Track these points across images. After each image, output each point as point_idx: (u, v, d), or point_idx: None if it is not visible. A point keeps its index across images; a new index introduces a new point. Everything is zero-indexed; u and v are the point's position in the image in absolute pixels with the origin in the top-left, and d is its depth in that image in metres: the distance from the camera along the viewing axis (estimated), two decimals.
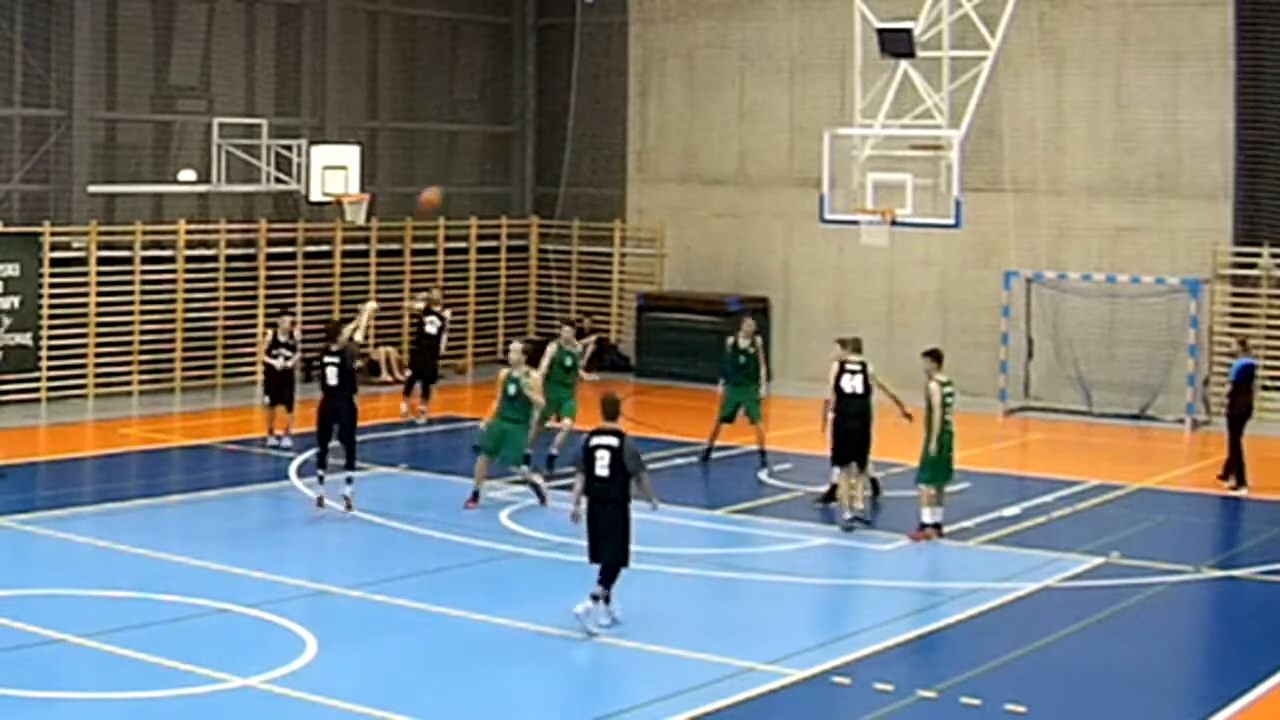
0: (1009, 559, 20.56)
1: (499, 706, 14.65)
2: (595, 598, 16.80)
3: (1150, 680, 15.99)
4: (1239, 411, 25.03)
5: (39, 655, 15.70)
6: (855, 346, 22.52)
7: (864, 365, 22.16)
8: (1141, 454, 28.13)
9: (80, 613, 17.11)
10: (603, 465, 16.80)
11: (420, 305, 29.89)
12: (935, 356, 21.50)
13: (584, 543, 20.32)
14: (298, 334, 27.50)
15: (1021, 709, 14.71)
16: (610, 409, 17.17)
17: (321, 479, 22.14)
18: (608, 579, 16.89)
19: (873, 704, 14.76)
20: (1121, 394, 31.92)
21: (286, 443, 26.55)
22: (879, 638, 16.84)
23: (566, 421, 24.91)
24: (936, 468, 21.15)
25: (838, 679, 15.44)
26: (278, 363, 26.58)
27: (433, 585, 18.66)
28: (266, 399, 26.99)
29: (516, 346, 23.20)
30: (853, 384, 22.05)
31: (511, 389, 22.64)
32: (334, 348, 22.31)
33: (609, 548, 16.89)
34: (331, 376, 22.20)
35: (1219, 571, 20.04)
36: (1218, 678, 16.44)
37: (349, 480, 22.02)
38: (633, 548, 17.14)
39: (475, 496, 22.57)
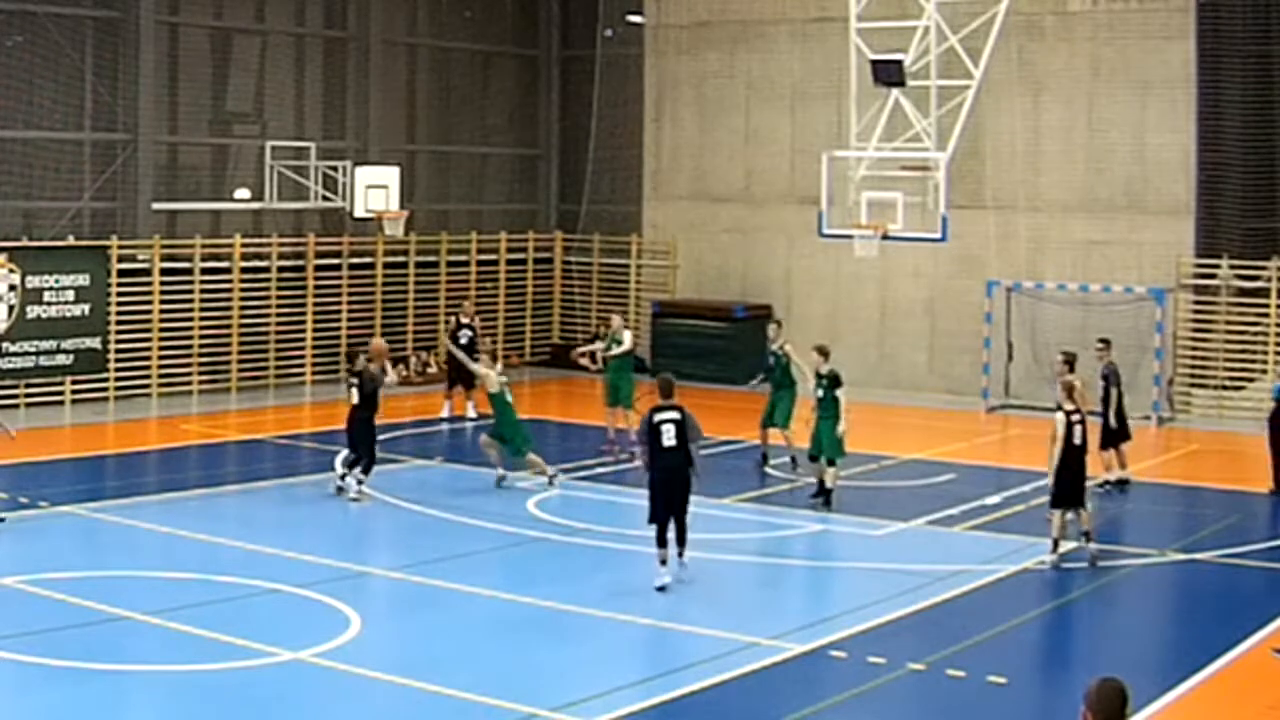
0: (991, 543, 20.52)
1: (528, 677, 14.64)
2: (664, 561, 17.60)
3: (1120, 653, 15.97)
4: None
5: (108, 631, 15.75)
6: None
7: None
8: None
9: (144, 592, 17.15)
10: (669, 436, 17.51)
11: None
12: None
13: (602, 528, 20.36)
14: None
15: (1002, 680, 14.69)
16: (667, 388, 17.90)
17: (343, 476, 22.72)
18: (680, 536, 17.77)
19: (867, 675, 14.76)
20: (1093, 393, 31.78)
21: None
22: (872, 615, 16.82)
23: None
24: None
25: (835, 653, 15.44)
26: None
27: (466, 567, 18.66)
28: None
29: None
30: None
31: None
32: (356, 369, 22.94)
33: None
34: (354, 395, 22.70)
35: (1182, 555, 20.01)
36: (1181, 650, 16.41)
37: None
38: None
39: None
